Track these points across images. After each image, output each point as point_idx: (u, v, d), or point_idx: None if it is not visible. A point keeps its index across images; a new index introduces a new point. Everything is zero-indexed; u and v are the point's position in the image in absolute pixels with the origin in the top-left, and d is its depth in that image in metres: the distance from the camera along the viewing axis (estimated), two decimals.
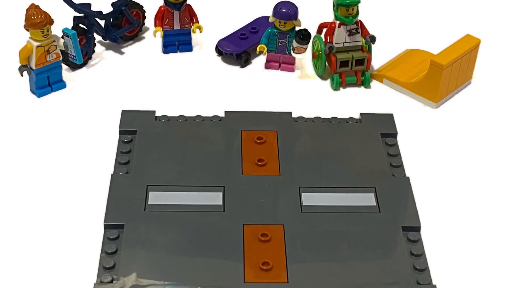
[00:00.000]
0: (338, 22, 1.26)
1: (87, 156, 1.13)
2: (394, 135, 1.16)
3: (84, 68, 1.31)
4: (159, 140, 1.14)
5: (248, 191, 1.06)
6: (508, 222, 1.05)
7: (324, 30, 1.28)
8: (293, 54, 1.31)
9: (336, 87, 1.28)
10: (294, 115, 1.20)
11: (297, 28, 1.29)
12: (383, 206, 1.04)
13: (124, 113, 1.19)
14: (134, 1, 1.37)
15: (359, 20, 1.27)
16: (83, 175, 1.10)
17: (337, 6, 1.25)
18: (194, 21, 1.34)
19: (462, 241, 1.02)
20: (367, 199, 1.06)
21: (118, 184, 1.07)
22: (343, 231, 1.01)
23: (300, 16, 1.29)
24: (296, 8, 1.28)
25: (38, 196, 1.07)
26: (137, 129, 1.16)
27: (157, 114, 1.19)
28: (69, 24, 1.28)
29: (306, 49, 1.29)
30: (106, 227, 1.01)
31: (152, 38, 1.36)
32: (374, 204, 1.05)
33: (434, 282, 0.95)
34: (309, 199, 1.06)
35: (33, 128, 1.18)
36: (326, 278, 0.95)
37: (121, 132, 1.16)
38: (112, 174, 1.08)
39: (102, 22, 1.34)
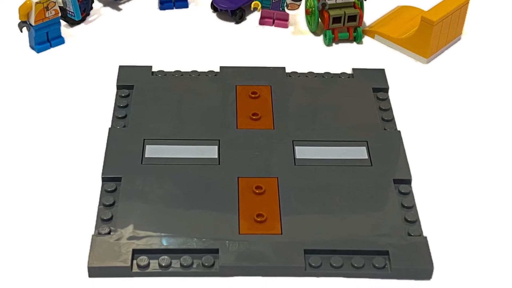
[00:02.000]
0: None
1: (85, 110, 1.11)
2: (385, 89, 1.14)
3: (82, 24, 1.29)
4: (155, 94, 1.12)
5: (242, 144, 1.04)
6: (497, 173, 1.03)
7: None
8: (286, 11, 1.28)
9: (328, 43, 1.25)
10: (287, 70, 1.18)
11: None
12: (374, 159, 1.02)
13: (122, 68, 1.17)
14: None
15: None
16: (81, 129, 1.08)
17: None
18: None
19: (452, 193, 1.00)
20: (359, 153, 1.03)
21: (116, 138, 1.05)
22: (335, 183, 0.99)
23: None
24: None
25: (37, 149, 1.05)
26: (134, 84, 1.13)
27: (154, 69, 1.17)
28: None
29: (299, 5, 1.26)
30: (104, 179, 0.99)
31: None
32: (366, 157, 1.03)
33: (424, 234, 0.93)
34: (302, 152, 1.04)
35: (32, 83, 1.16)
36: (319, 229, 0.93)
37: (119, 87, 1.13)
38: (109, 128, 1.06)
39: None
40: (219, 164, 1.01)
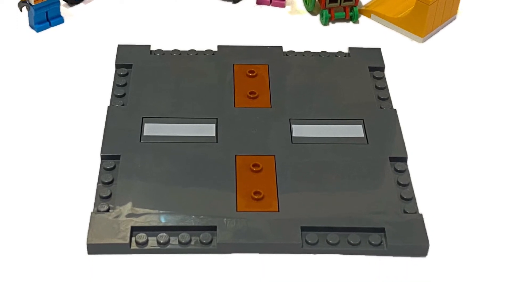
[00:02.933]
0: None
1: (84, 89, 1.10)
2: (381, 68, 1.13)
3: (81, 4, 1.27)
4: (154, 73, 1.10)
5: (240, 122, 1.03)
6: (492, 149, 1.02)
7: None
8: None
9: (325, 22, 1.24)
10: (284, 49, 1.16)
11: None
12: (371, 137, 1.01)
13: (120, 47, 1.15)
14: None
15: None
16: (81, 107, 1.06)
17: None
18: None
19: (447, 171, 0.99)
20: (356, 131, 1.02)
21: (114, 116, 1.03)
22: (332, 161, 0.98)
23: None
24: None
25: (36, 127, 1.03)
26: (132, 62, 1.12)
27: (152, 48, 1.15)
28: None
29: None
30: (103, 157, 0.98)
31: None
32: (362, 135, 1.01)
33: (420, 211, 0.92)
34: (299, 130, 1.02)
35: (32, 62, 1.14)
36: (316, 207, 0.92)
37: (117, 66, 1.12)
38: (108, 107, 1.05)
39: None
40: (216, 142, 1.00)
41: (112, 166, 0.96)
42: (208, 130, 1.01)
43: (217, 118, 1.03)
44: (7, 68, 1.13)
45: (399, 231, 0.89)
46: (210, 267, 0.87)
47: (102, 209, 0.91)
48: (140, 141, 0.99)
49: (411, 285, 0.85)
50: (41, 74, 1.12)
